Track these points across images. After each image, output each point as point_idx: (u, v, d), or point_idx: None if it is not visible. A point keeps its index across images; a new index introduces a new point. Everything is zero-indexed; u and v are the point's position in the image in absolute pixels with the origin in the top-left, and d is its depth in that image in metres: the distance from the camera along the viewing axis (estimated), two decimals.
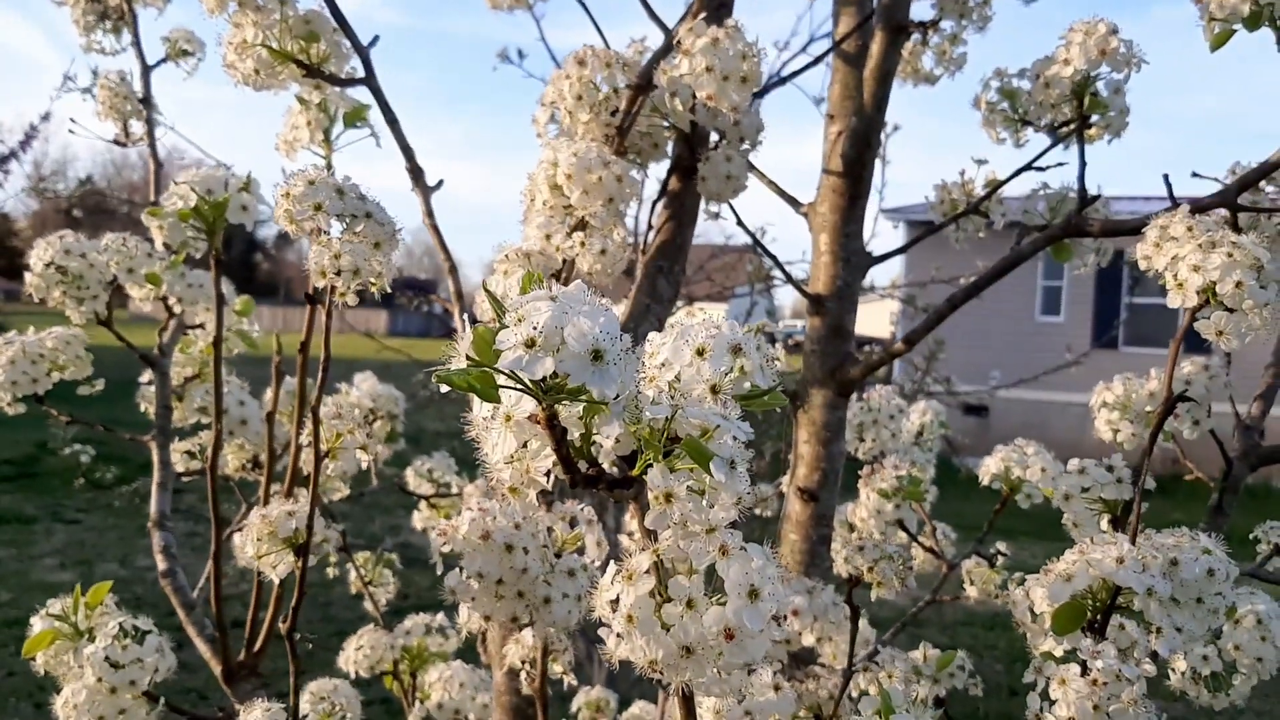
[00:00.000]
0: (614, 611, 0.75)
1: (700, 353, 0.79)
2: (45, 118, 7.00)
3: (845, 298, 1.51)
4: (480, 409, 0.74)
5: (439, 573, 1.01)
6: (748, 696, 1.07)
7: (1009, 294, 14.93)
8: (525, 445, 0.74)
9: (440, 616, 1.69)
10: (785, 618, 0.74)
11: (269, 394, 1.77)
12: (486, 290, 0.72)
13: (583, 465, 0.76)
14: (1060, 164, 1.50)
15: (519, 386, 0.68)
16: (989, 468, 1.55)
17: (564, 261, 1.16)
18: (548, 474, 0.75)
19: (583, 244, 1.14)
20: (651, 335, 0.83)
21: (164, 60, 1.99)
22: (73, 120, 2.16)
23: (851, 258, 1.52)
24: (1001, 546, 1.65)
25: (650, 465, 0.73)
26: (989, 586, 1.63)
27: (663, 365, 0.80)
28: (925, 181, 1.78)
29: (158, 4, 2.04)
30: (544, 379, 0.67)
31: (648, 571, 0.74)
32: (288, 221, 0.97)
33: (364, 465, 1.46)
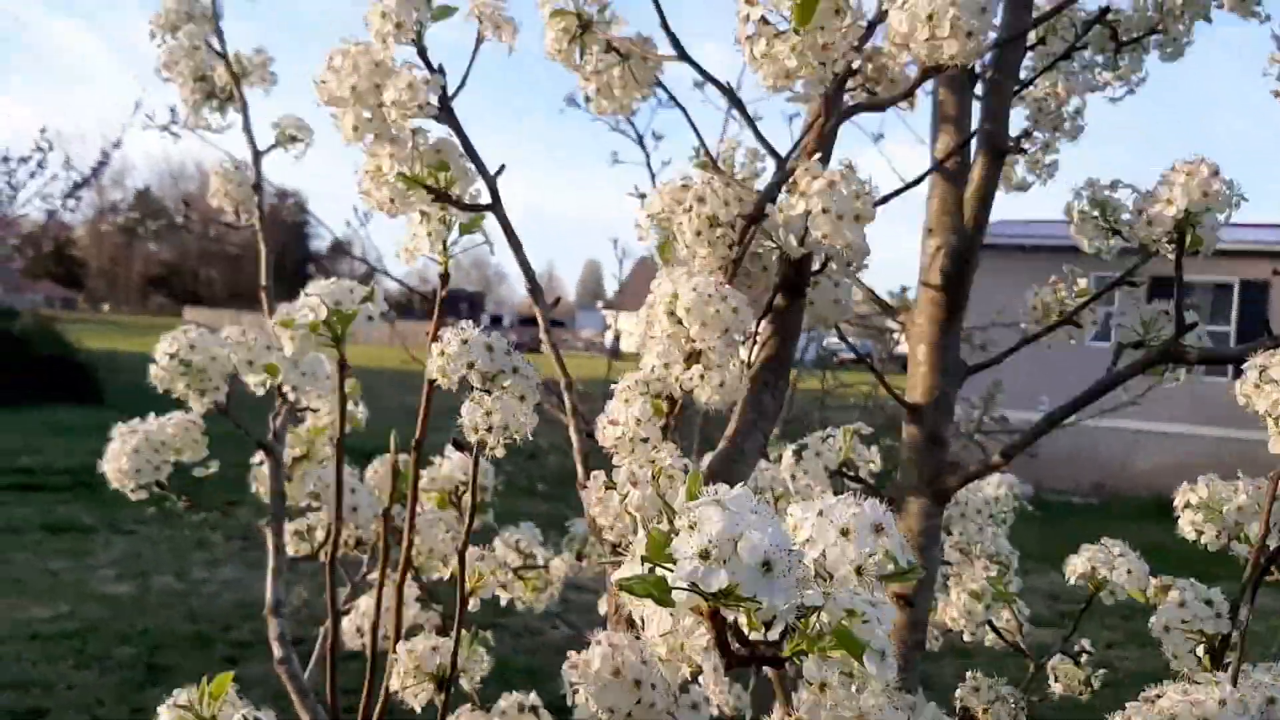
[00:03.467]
0: None
1: (845, 533, 0.83)
2: (117, 145, 7.17)
3: (942, 406, 1.55)
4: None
5: (569, 702, 1.06)
6: None
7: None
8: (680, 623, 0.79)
9: (534, 695, 1.73)
10: None
11: (369, 475, 1.83)
12: (662, 500, 0.77)
13: (734, 646, 0.80)
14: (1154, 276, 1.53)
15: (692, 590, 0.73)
16: (1075, 567, 1.58)
17: (682, 389, 1.21)
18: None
19: (702, 377, 1.18)
20: (791, 508, 0.88)
21: (274, 146, 2.06)
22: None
23: (949, 368, 1.56)
24: (1086, 643, 1.68)
25: (802, 651, 0.77)
26: (1073, 682, 1.66)
27: (807, 542, 0.84)
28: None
29: (265, 85, 2.12)
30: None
31: None
32: (441, 375, 1.03)
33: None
